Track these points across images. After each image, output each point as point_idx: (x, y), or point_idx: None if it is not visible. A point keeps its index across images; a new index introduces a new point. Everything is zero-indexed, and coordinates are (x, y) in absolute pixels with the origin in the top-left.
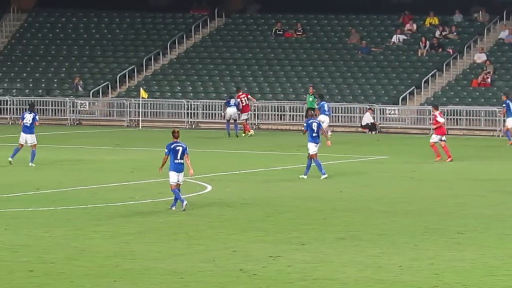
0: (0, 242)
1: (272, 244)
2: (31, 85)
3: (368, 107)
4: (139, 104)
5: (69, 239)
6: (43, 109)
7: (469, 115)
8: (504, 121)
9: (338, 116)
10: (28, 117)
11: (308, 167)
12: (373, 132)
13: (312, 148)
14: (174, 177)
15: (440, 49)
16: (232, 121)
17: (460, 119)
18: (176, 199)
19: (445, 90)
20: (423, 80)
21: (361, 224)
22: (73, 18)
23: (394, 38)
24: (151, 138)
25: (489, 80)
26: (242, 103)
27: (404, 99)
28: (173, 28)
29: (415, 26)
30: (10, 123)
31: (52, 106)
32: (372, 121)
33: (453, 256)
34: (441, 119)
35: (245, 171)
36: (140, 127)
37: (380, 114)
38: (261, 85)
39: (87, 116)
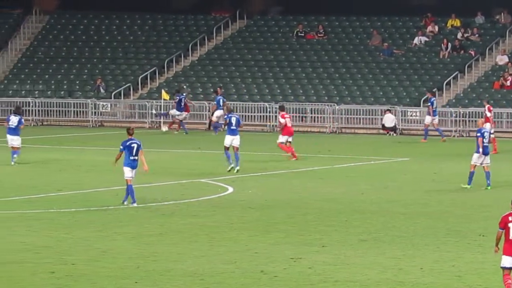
0: (22, 243)
1: (293, 245)
2: (53, 86)
3: (386, 108)
4: (160, 105)
5: (91, 240)
6: (65, 110)
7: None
8: None
9: (360, 118)
10: (14, 120)
11: (232, 158)
12: (394, 134)
13: (227, 140)
14: (128, 173)
15: (462, 51)
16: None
17: None
18: (127, 195)
19: (467, 92)
20: (445, 82)
21: (383, 226)
22: (95, 20)
23: (416, 40)
24: (173, 139)
25: (509, 82)
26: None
27: (425, 101)
28: (195, 30)
29: (437, 28)
30: (32, 124)
31: (74, 107)
32: (393, 124)
33: (475, 258)
34: (282, 120)
35: (266, 173)
36: (162, 128)
37: (402, 116)
38: (282, 87)
39: (109, 118)
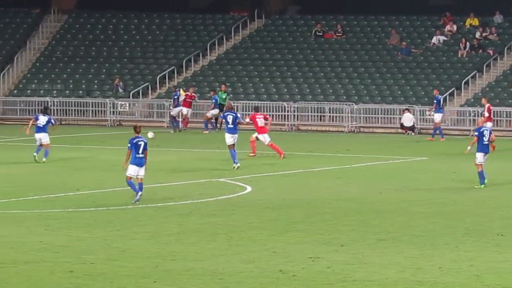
0: (41, 243)
1: (312, 245)
2: (71, 86)
3: (404, 108)
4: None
5: (110, 239)
6: (84, 110)
7: (509, 116)
8: None
9: (378, 117)
10: (42, 119)
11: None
12: (412, 133)
13: (228, 138)
14: (133, 170)
15: (481, 50)
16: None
17: (500, 120)
18: (133, 189)
19: (485, 91)
20: (463, 82)
21: (401, 226)
22: (113, 19)
23: (434, 39)
24: (191, 139)
25: None
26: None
27: (444, 100)
28: (213, 29)
29: (455, 27)
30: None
31: (92, 107)
32: (411, 123)
33: (494, 257)
34: (247, 120)
35: (284, 172)
36: (181, 128)
37: (420, 115)
38: (300, 86)
39: (127, 117)
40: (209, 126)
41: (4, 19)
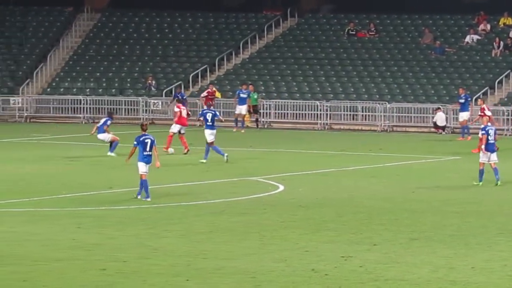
0: (73, 240)
1: (344, 244)
2: (104, 84)
3: (436, 107)
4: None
5: (142, 238)
6: (116, 108)
7: None
8: None
9: (411, 116)
10: (101, 121)
11: (207, 151)
12: (444, 132)
13: (209, 135)
14: (143, 168)
15: None
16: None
17: None
18: (141, 189)
19: None
20: (497, 81)
21: (433, 225)
22: (146, 18)
23: (468, 38)
24: (224, 137)
25: None
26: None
27: (477, 99)
28: (246, 28)
29: (489, 26)
30: (83, 122)
31: (125, 105)
32: (445, 122)
33: None
34: (176, 109)
35: (317, 171)
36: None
37: (453, 114)
38: (333, 85)
39: (160, 116)
40: (239, 124)
41: (38, 17)
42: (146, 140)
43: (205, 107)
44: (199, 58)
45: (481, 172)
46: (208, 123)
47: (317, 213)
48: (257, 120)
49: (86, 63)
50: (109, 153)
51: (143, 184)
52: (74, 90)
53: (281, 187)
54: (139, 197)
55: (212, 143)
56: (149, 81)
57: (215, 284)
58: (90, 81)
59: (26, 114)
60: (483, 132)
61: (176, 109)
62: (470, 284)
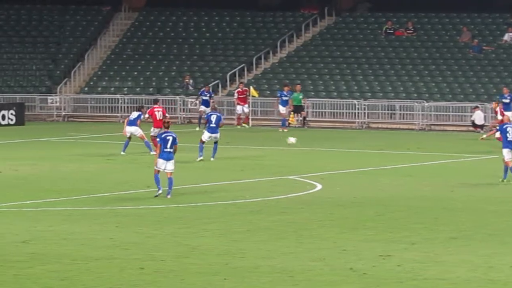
0: (111, 240)
1: (382, 243)
2: (141, 83)
3: (474, 105)
4: (249, 102)
5: (180, 237)
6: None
7: None
8: None
9: (449, 115)
10: (134, 114)
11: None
12: (482, 131)
13: (206, 137)
14: (161, 164)
15: None
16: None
17: None
18: (170, 187)
19: None
20: None
21: (472, 224)
22: (184, 17)
23: (506, 37)
24: (261, 136)
25: None
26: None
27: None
28: (283, 26)
29: None
30: (121, 121)
31: (162, 104)
32: (483, 121)
33: None
34: (146, 116)
35: (355, 170)
36: (250, 125)
37: (491, 113)
38: (371, 84)
39: (197, 115)
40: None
41: (75, 16)
42: (167, 137)
43: (237, 106)
44: (237, 57)
45: (506, 170)
46: (211, 125)
47: (355, 212)
48: (304, 119)
49: (124, 62)
50: (122, 153)
51: (155, 178)
52: (112, 89)
53: (319, 186)
54: (168, 196)
55: (204, 142)
56: (187, 80)
57: (253, 283)
58: (127, 80)
59: (64, 113)
60: (500, 130)
61: (146, 115)
62: (509, 283)
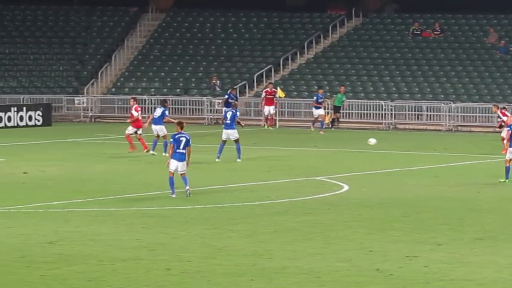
0: (138, 240)
1: (409, 244)
2: (169, 84)
3: (501, 106)
4: (276, 104)
5: (206, 237)
6: (181, 108)
7: None
8: None
9: (476, 116)
10: (158, 111)
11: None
12: None
13: (225, 134)
14: (173, 165)
15: None
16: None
17: None
18: (172, 186)
19: None
20: None
21: (499, 225)
22: (211, 17)
23: None
24: (288, 137)
25: None
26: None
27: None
28: (311, 27)
29: None
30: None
31: (189, 105)
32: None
33: None
34: (135, 113)
35: (382, 171)
36: (277, 126)
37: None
38: (398, 85)
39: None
40: (318, 124)
41: (102, 17)
42: (181, 138)
43: (265, 107)
44: (264, 57)
45: (507, 170)
46: (226, 121)
47: (382, 213)
48: (334, 120)
49: (151, 63)
50: (152, 152)
51: (169, 181)
52: (139, 90)
53: (346, 187)
54: (173, 196)
55: (224, 141)
56: (214, 81)
57: (280, 284)
58: (154, 81)
59: (91, 114)
60: (508, 128)
61: (135, 113)
62: None
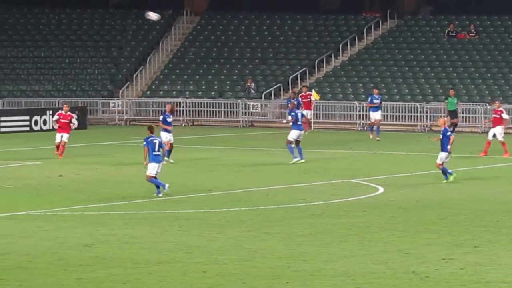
0: (173, 243)
1: (444, 246)
2: (203, 87)
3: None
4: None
5: (242, 240)
6: (215, 111)
7: None
8: None
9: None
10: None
11: (296, 151)
12: None
13: (296, 135)
14: (153, 169)
15: None
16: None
17: None
18: (158, 187)
19: None
20: None
21: None
22: (246, 20)
23: None
24: (323, 140)
25: None
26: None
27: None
28: (345, 30)
29: None
30: (183, 125)
31: (224, 108)
32: None
33: None
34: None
35: (417, 173)
36: (312, 128)
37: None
38: (433, 87)
39: (260, 118)
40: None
41: (137, 20)
42: (154, 141)
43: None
44: (298, 60)
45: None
46: (298, 123)
47: (418, 215)
48: (455, 125)
49: (186, 66)
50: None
51: (154, 183)
52: (174, 92)
53: (381, 189)
54: (160, 195)
55: (298, 142)
56: (248, 84)
57: (315, 286)
58: (189, 83)
59: (126, 117)
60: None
61: (74, 121)
62: None
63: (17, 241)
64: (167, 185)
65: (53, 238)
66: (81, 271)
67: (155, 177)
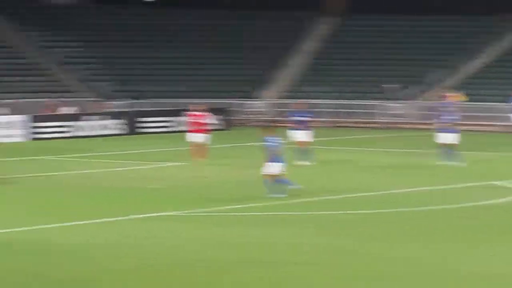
0: (316, 245)
1: None
2: (343, 88)
3: None
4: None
5: (390, 243)
6: (353, 112)
7: None
8: None
9: None
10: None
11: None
12: None
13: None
14: (274, 169)
15: None
16: None
17: None
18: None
19: None
20: None
21: None
22: (384, 22)
23: None
24: (470, 141)
25: None
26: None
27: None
28: (486, 31)
29: None
30: (325, 126)
31: (363, 109)
32: None
33: None
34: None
35: None
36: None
37: None
38: None
39: (398, 120)
40: None
41: (278, 21)
42: (274, 142)
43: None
44: (439, 61)
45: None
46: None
47: None
48: None
49: (325, 68)
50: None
51: (280, 182)
52: (314, 94)
53: None
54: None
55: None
56: (385, 85)
57: None
58: (331, 85)
59: (267, 118)
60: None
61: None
62: None
63: (163, 242)
64: (299, 186)
65: (196, 239)
66: (225, 271)
67: (280, 177)
